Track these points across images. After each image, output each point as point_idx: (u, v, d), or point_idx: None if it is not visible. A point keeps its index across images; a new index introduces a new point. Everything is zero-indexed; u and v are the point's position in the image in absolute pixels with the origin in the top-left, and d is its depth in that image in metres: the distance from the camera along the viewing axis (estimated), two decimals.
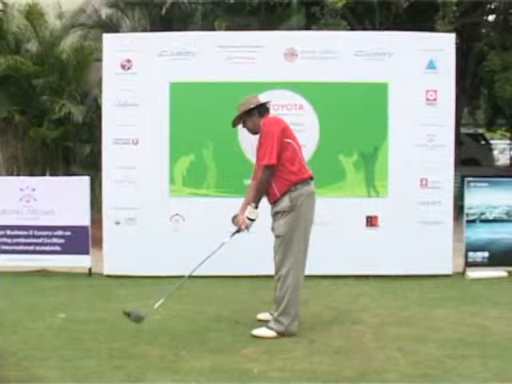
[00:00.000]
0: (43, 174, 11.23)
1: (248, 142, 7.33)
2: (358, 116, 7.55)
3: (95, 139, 10.74)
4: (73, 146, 11.16)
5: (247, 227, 5.32)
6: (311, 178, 5.33)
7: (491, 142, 24.81)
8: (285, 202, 5.17)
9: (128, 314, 5.16)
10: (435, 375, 4.32)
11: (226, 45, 7.52)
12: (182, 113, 7.56)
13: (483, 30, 14.34)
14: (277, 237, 5.24)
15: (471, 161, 18.80)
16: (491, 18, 13.81)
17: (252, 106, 5.34)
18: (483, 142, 22.25)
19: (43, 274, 7.79)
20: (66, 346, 4.89)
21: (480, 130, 23.95)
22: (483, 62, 12.50)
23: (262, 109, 5.38)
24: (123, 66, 7.57)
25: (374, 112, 7.57)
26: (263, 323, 5.35)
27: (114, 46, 7.63)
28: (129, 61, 7.56)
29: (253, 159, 7.26)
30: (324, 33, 8.72)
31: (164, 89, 7.56)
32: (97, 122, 10.77)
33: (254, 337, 5.15)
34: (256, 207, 5.28)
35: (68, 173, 11.06)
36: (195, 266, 5.58)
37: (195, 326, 5.49)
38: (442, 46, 7.60)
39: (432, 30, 10.86)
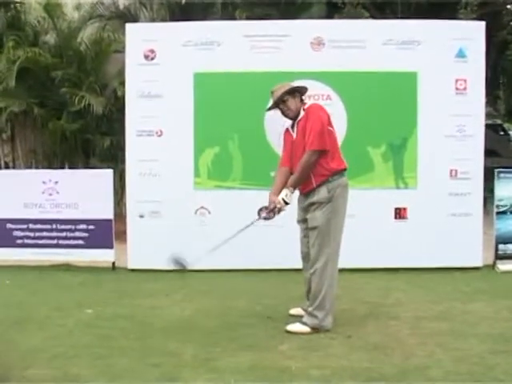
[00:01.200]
0: (62, 168, 11.14)
1: (275, 133, 7.18)
2: (386, 106, 7.39)
3: (114, 131, 10.70)
4: (92, 139, 11.05)
5: (280, 210, 5.11)
6: (346, 169, 5.21)
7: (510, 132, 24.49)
8: (322, 193, 5.03)
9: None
10: (480, 372, 4.16)
11: (252, 34, 7.37)
12: (207, 104, 7.43)
13: (505, 19, 14.16)
14: (313, 228, 5.09)
15: (490, 152, 18.53)
16: None
17: (289, 88, 5.19)
18: (502, 133, 21.95)
19: (66, 268, 7.68)
20: (96, 344, 4.76)
21: (498, 121, 23.64)
22: (505, 51, 12.31)
23: (303, 94, 5.26)
24: (146, 57, 7.44)
25: (403, 102, 7.42)
26: (296, 318, 5.22)
27: (137, 36, 7.50)
28: (152, 51, 7.43)
29: (279, 151, 7.17)
30: (352, 21, 8.54)
31: (188, 79, 7.42)
32: (116, 114, 10.74)
33: (288, 332, 5.02)
34: (293, 192, 5.11)
35: (87, 166, 10.99)
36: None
37: (227, 322, 5.35)
38: (471, 34, 7.45)
39: (454, 18, 10.65)
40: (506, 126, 23.36)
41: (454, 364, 4.32)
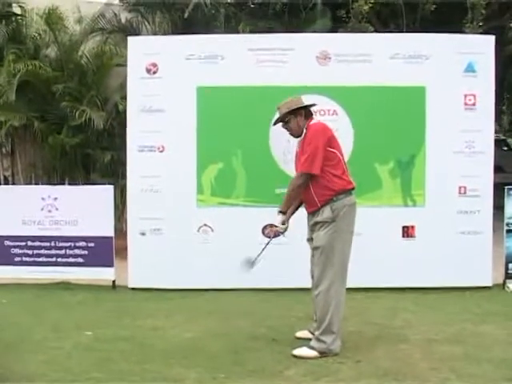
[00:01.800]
0: (62, 183, 10.97)
1: (279, 149, 7.10)
2: (393, 122, 7.22)
3: (115, 146, 10.55)
4: (93, 154, 10.88)
5: (277, 235, 5.07)
6: (353, 189, 5.03)
7: None
8: (326, 213, 4.87)
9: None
10: None
11: (256, 48, 7.21)
12: (210, 119, 7.25)
13: (510, 34, 14.01)
14: (316, 248, 4.94)
15: (495, 168, 18.32)
16: None
17: (300, 105, 5.03)
18: (505, 148, 21.79)
19: (65, 286, 7.46)
20: (95, 368, 4.57)
21: (501, 136, 23.47)
22: (511, 66, 12.17)
23: (308, 111, 5.09)
24: (148, 70, 7.27)
25: (411, 117, 7.24)
26: (303, 342, 5.03)
27: (139, 50, 7.34)
28: (154, 65, 7.27)
29: (284, 167, 7.05)
30: (358, 35, 8.35)
31: (191, 93, 7.25)
32: (117, 129, 10.62)
33: (295, 357, 4.82)
34: (283, 214, 4.99)
35: (87, 181, 10.82)
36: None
37: (230, 345, 5.15)
38: (481, 48, 7.28)
39: (460, 33, 10.51)
40: (509, 141, 23.22)
41: None
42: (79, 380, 4.33)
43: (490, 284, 7.29)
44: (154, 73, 7.28)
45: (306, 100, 5.29)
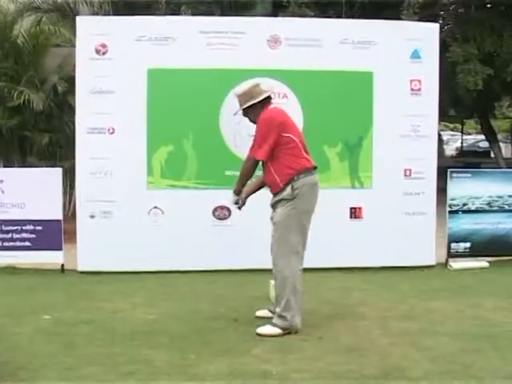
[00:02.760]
0: None
1: (230, 132, 7.13)
2: (342, 105, 7.37)
3: (54, 128, 10.34)
4: (30, 136, 10.60)
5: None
6: (315, 168, 5.13)
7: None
8: (287, 191, 4.98)
9: None
10: (458, 371, 4.15)
11: (208, 30, 7.19)
12: (161, 100, 7.21)
13: (440, 21, 14.45)
14: (274, 225, 5.07)
15: None
16: (452, 9, 13.96)
17: (258, 100, 5.08)
18: None
19: (11, 271, 7.28)
20: (61, 352, 4.48)
21: None
22: (445, 53, 12.54)
23: (265, 99, 5.14)
24: (98, 51, 7.14)
25: (359, 101, 7.40)
26: (263, 321, 5.11)
27: (88, 30, 7.20)
28: (104, 45, 7.13)
29: (235, 150, 7.12)
30: (309, 20, 8.48)
31: (141, 75, 7.17)
32: (56, 111, 10.38)
33: (260, 335, 4.89)
34: (237, 194, 5.19)
35: (24, 164, 10.56)
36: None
37: (194, 326, 5.16)
38: (426, 35, 7.50)
39: (396, 19, 10.76)
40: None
41: (431, 363, 4.31)
42: (47, 366, 4.20)
43: (433, 263, 7.60)
44: (104, 53, 7.16)
45: (263, 84, 5.36)
